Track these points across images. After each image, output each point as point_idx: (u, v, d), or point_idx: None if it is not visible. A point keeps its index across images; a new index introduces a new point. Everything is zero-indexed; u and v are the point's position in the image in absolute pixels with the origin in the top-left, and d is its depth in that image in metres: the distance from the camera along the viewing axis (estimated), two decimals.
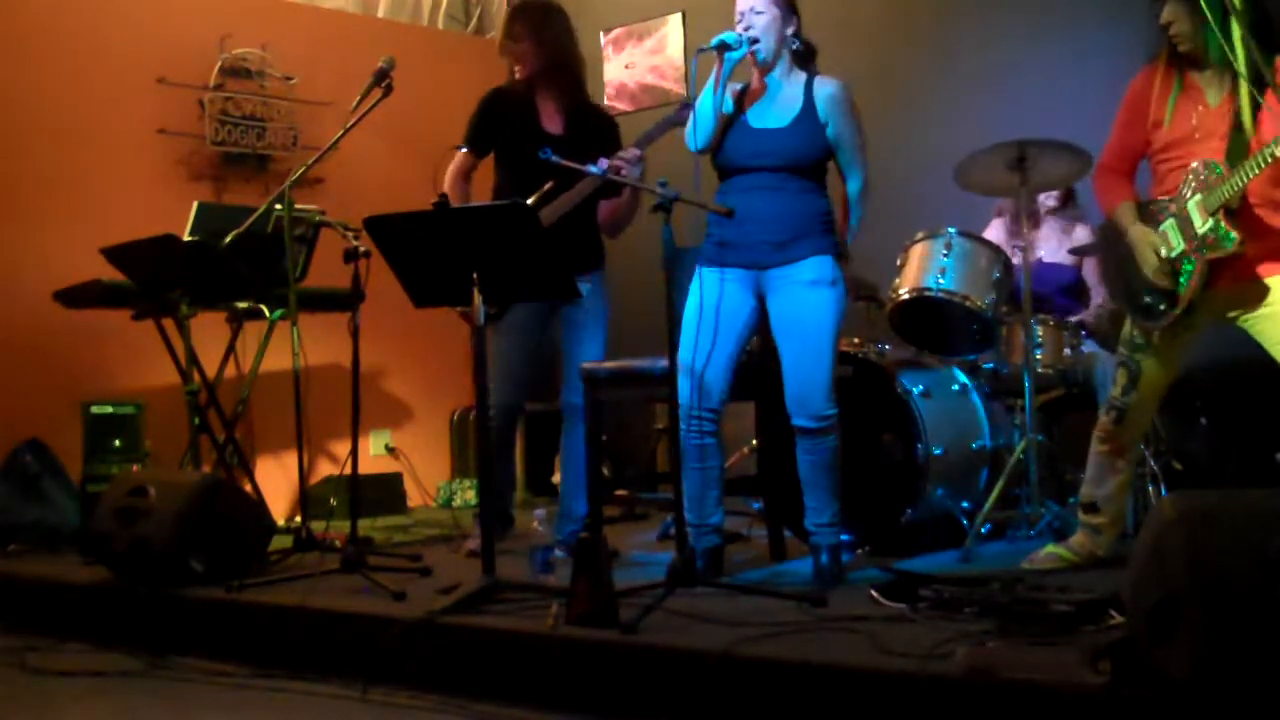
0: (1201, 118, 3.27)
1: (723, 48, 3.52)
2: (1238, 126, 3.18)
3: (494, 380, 4.09)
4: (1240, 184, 3.08)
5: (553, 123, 4.29)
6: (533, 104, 4.28)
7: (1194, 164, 3.22)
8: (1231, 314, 3.29)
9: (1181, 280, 3.24)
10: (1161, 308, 3.31)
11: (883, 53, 5.62)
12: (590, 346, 4.24)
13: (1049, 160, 4.06)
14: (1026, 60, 5.20)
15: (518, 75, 4.27)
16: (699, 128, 3.57)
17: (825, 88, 3.61)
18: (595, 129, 4.26)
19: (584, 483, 4.17)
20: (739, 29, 3.59)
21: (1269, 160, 2.99)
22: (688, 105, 4.06)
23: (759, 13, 3.57)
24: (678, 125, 4.08)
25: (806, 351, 3.54)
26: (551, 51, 4.25)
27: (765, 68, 3.64)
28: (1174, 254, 3.24)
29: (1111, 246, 3.50)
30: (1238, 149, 3.16)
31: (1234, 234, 3.11)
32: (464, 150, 4.32)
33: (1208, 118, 3.26)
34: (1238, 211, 3.14)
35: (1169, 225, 3.26)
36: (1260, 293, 3.21)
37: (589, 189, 4.09)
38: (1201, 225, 3.17)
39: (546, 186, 4.06)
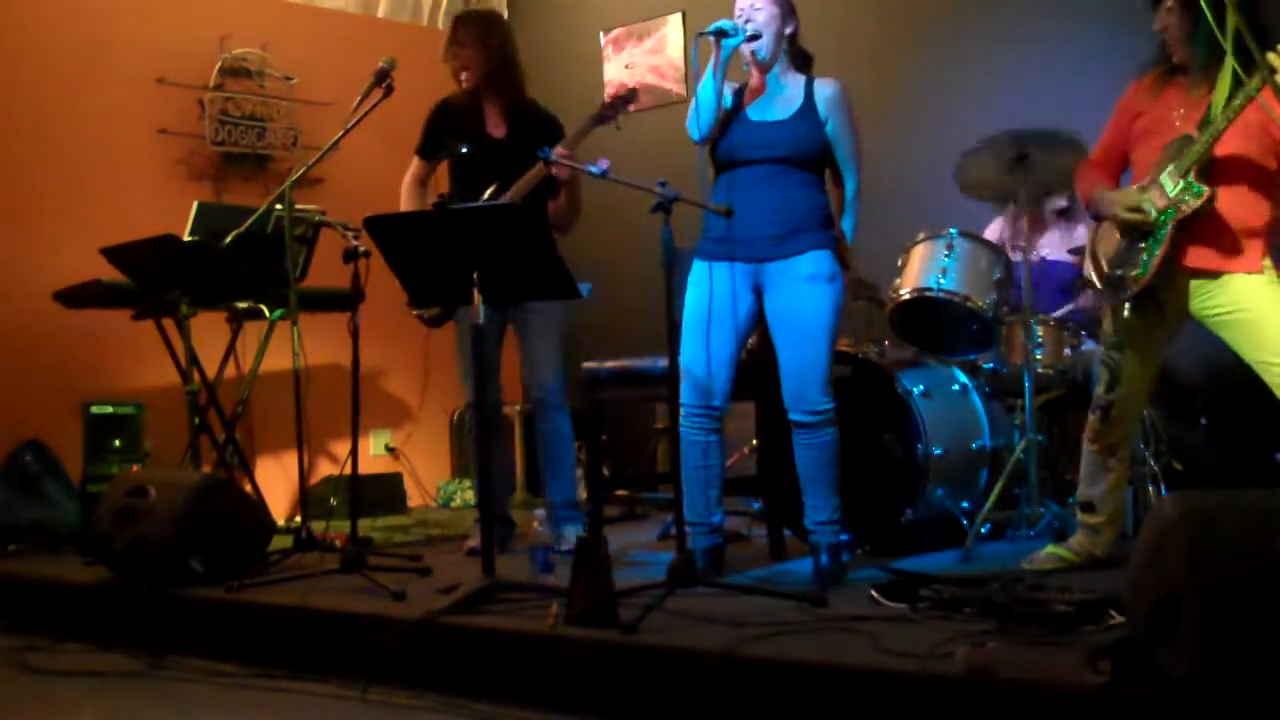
0: (1182, 104, 3.32)
1: (720, 34, 3.56)
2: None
3: (465, 379, 4.32)
4: (1209, 141, 3.14)
5: (497, 127, 4.40)
6: (478, 110, 4.41)
7: (1169, 142, 3.28)
8: (1200, 309, 3.31)
9: (1151, 246, 3.27)
10: (1132, 274, 3.34)
11: (883, 53, 5.63)
12: (544, 342, 4.30)
13: (1049, 160, 4.05)
14: (1026, 60, 5.20)
15: (464, 82, 4.39)
16: (701, 115, 3.60)
17: (826, 88, 3.67)
18: (538, 131, 4.33)
19: (563, 470, 4.33)
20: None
21: (1234, 114, 3.06)
22: (611, 104, 4.15)
23: (758, 9, 3.62)
24: (603, 123, 4.20)
25: (803, 345, 3.55)
26: (496, 57, 4.38)
27: (765, 66, 3.67)
28: (1148, 213, 3.28)
29: (1094, 231, 3.55)
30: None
31: (1203, 187, 3.17)
32: (417, 158, 4.49)
33: (1188, 104, 3.31)
34: (1215, 199, 3.18)
35: (1144, 198, 3.30)
36: (1225, 289, 3.24)
37: (533, 184, 4.19)
38: (1173, 189, 3.22)
39: (491, 189, 4.19)
